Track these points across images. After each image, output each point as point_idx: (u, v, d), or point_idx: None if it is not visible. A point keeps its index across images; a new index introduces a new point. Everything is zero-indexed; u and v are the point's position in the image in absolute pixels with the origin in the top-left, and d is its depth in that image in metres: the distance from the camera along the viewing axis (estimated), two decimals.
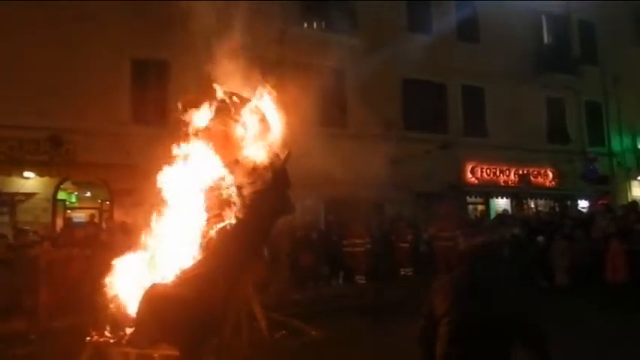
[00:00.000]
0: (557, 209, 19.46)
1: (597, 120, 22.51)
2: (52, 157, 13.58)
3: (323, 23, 16.99)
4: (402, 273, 13.58)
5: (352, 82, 17.13)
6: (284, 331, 7.06)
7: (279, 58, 15.50)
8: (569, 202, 20.69)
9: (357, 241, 13.18)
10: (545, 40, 21.89)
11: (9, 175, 13.48)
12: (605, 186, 21.21)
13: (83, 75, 13.67)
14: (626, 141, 22.73)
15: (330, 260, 13.55)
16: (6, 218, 13.44)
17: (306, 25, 16.77)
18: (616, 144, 22.66)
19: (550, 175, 20.76)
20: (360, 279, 13.07)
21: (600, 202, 16.64)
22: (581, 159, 21.34)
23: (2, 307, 9.06)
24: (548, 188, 20.57)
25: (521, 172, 20.13)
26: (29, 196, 13.71)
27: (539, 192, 20.30)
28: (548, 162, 20.61)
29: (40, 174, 13.57)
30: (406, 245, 13.90)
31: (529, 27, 21.14)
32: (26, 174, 13.48)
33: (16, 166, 13.28)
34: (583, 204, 20.72)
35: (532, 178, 20.39)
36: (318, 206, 16.98)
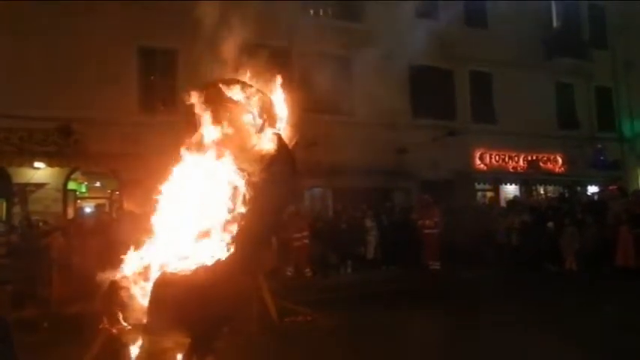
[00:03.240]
0: (566, 195, 19.36)
1: (607, 105, 22.29)
2: (62, 148, 13.66)
3: (330, 10, 16.89)
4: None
5: (359, 70, 17.04)
6: (293, 318, 7.13)
7: (287, 46, 15.48)
8: (578, 188, 20.59)
9: (296, 235, 12.47)
10: (555, 24, 21.60)
11: (20, 165, 13.60)
12: (615, 172, 21.06)
13: (91, 65, 13.70)
14: (637, 126, 22.46)
15: (338, 249, 13.57)
16: (17, 208, 13.59)
17: (312, 12, 16.68)
18: (627, 129, 22.45)
19: (559, 160, 20.65)
20: (307, 272, 12.51)
21: (611, 188, 16.50)
22: (591, 145, 21.19)
23: (15, 296, 9.19)
24: (558, 174, 20.47)
25: (530, 158, 20.04)
26: (40, 186, 13.84)
27: (549, 178, 20.21)
28: (558, 148, 20.49)
29: (50, 164, 13.67)
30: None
31: (538, 11, 20.86)
32: (36, 164, 13.58)
33: (27, 157, 13.39)
34: (593, 189, 20.61)
35: (541, 164, 20.30)
36: (325, 195, 17.01)
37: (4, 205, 13.99)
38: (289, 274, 12.30)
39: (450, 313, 8.40)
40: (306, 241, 12.58)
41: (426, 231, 13.19)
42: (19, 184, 13.67)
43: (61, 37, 13.69)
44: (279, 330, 6.57)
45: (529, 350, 6.38)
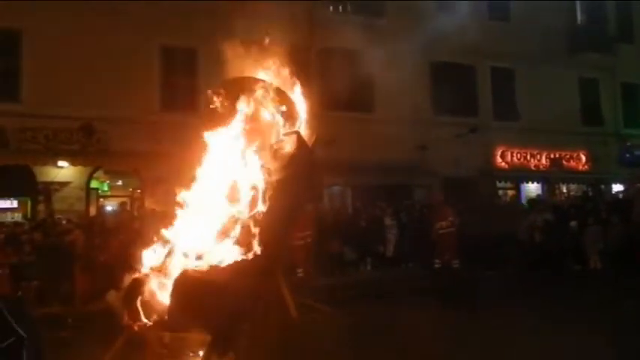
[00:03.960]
0: (590, 193, 19.01)
1: (633, 101, 21.76)
2: (85, 146, 13.88)
3: (349, 6, 16.82)
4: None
5: (379, 66, 16.95)
6: (311, 316, 7.12)
7: (306, 42, 15.47)
8: (602, 186, 20.18)
9: (298, 234, 11.39)
10: (579, 17, 21.17)
11: (44, 164, 13.84)
12: None
13: (113, 64, 13.87)
14: None
15: (358, 246, 13.53)
16: (42, 207, 13.84)
17: (332, 8, 16.63)
18: None
19: (583, 158, 20.25)
20: (300, 272, 11.69)
21: (638, 185, 16.17)
22: (616, 141, 20.75)
23: (40, 292, 9.36)
24: (581, 172, 20.09)
25: (552, 155, 19.70)
26: (63, 184, 14.07)
27: (572, 176, 19.85)
28: (582, 145, 20.09)
29: (73, 163, 13.89)
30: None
31: (561, 5, 20.42)
32: (60, 163, 13.80)
33: (51, 156, 13.62)
34: (617, 188, 20.20)
35: (564, 162, 19.94)
36: (345, 192, 16.98)
37: (29, 203, 14.26)
38: (300, 275, 11.99)
39: (468, 311, 8.31)
40: (309, 240, 11.82)
41: (441, 231, 13.03)
42: (43, 183, 13.92)
43: (84, 37, 13.89)
44: (297, 327, 6.56)
45: (543, 349, 6.30)
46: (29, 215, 13.88)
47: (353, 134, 15.12)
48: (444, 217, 13.01)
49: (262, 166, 5.64)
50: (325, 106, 11.94)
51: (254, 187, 5.59)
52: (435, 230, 13.05)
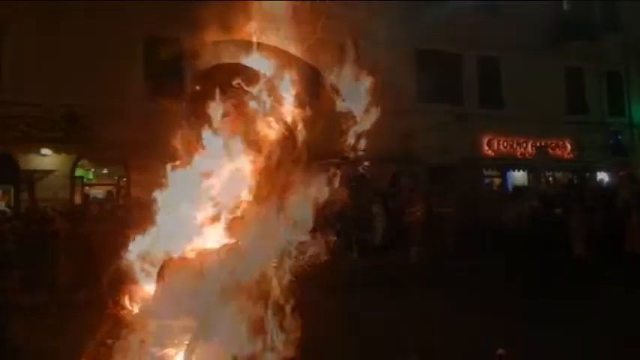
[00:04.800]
0: (575, 181, 19.23)
1: (618, 90, 22.00)
2: (69, 135, 13.72)
3: None
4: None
5: (365, 53, 16.86)
6: (297, 302, 7.13)
7: (291, 32, 15.33)
8: (587, 174, 20.41)
9: None
10: (565, 6, 21.27)
11: (27, 152, 13.66)
12: (625, 157, 20.86)
13: (98, 52, 13.65)
14: None
15: (345, 235, 13.53)
16: (25, 195, 13.67)
17: None
18: (637, 114, 22.17)
19: (568, 146, 20.46)
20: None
21: (621, 174, 16.37)
22: (601, 130, 20.96)
23: (24, 281, 9.27)
24: (567, 160, 20.31)
25: (538, 144, 19.86)
26: (47, 173, 13.91)
27: (557, 164, 20.05)
28: (567, 133, 20.28)
29: (56, 151, 13.74)
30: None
31: None
32: (43, 151, 13.65)
33: (34, 144, 13.45)
34: (602, 175, 20.44)
35: (550, 150, 20.12)
36: (332, 180, 16.97)
37: (12, 191, 14.08)
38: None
39: (447, 299, 8.39)
40: None
41: (412, 218, 13.15)
42: (26, 171, 13.75)
43: (68, 25, 13.65)
44: (281, 312, 6.59)
45: (517, 335, 6.40)
46: (12, 203, 13.71)
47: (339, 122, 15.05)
48: (414, 203, 13.14)
49: (247, 155, 5.59)
50: (312, 94, 11.89)
51: (240, 175, 5.55)
52: (406, 216, 13.23)
